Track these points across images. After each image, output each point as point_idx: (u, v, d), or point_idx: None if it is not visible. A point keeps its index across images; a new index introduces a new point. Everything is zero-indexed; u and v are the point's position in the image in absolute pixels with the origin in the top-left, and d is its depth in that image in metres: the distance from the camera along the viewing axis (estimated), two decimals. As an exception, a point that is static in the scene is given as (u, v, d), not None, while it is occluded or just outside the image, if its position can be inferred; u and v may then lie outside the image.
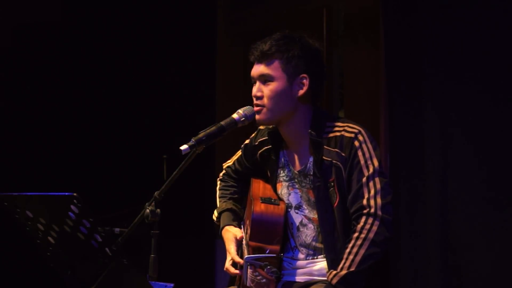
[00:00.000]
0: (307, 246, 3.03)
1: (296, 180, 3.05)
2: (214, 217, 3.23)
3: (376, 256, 2.85)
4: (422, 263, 3.68)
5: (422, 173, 3.69)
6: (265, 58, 2.98)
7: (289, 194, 3.07)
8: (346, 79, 5.03)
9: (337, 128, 2.97)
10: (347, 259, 2.84)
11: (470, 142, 3.57)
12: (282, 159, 3.10)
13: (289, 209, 3.06)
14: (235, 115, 2.98)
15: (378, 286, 2.97)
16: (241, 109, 3.00)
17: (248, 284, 2.94)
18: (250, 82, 3.05)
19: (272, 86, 2.97)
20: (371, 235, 2.84)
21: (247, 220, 3.10)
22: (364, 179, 2.89)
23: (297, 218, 3.05)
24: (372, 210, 2.85)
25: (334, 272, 2.85)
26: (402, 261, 3.73)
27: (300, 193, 3.04)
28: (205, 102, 5.44)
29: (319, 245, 3.01)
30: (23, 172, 5.33)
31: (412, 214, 3.72)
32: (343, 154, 2.92)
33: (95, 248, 2.60)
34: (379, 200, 2.87)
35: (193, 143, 2.82)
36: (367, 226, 2.84)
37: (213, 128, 2.90)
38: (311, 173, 2.98)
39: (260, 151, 3.16)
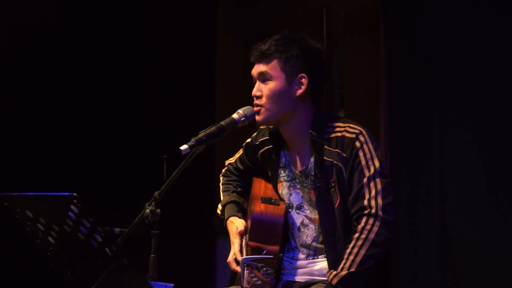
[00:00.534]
0: (307, 246, 3.03)
1: (297, 180, 3.05)
2: (219, 210, 3.23)
3: (377, 256, 2.85)
4: (422, 263, 3.68)
5: (422, 173, 3.69)
6: (264, 58, 2.99)
7: (290, 195, 3.07)
8: (346, 79, 5.03)
9: (338, 129, 2.97)
10: (347, 259, 2.84)
11: (471, 142, 3.57)
12: (283, 159, 3.10)
13: (290, 210, 3.06)
14: (235, 115, 2.98)
15: (379, 287, 2.96)
16: (241, 109, 3.01)
17: (244, 285, 2.94)
18: (250, 82, 3.06)
19: (270, 85, 2.97)
20: (371, 235, 2.84)
21: (248, 219, 3.10)
22: (365, 180, 2.89)
23: (298, 218, 3.05)
24: (373, 211, 2.85)
25: (335, 272, 2.85)
26: (402, 261, 3.73)
27: (301, 193, 3.04)
28: (205, 102, 5.44)
29: (319, 245, 3.01)
30: (23, 172, 5.33)
31: (412, 214, 3.72)
32: (344, 155, 2.92)
33: (95, 248, 2.60)
34: (380, 201, 2.86)
35: (193, 143, 2.82)
36: (368, 227, 2.84)
37: (213, 128, 2.90)
38: (312, 174, 2.98)
39: (261, 150, 3.16)
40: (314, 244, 3.02)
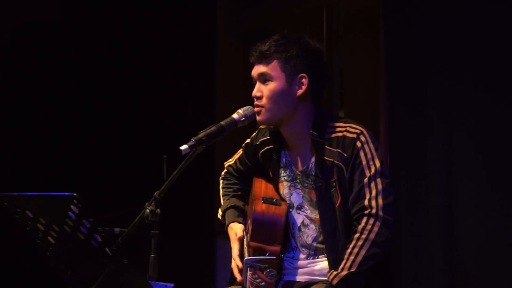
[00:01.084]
0: (308, 246, 3.03)
1: (298, 180, 3.05)
2: (219, 215, 3.23)
3: (377, 256, 2.85)
4: (422, 264, 3.68)
5: (422, 173, 3.70)
6: (264, 58, 2.98)
7: (291, 195, 3.07)
8: (346, 79, 5.03)
9: (339, 129, 2.97)
10: (347, 259, 2.84)
11: (471, 142, 3.58)
12: (284, 159, 3.10)
13: (291, 210, 3.06)
14: (235, 115, 2.98)
15: (379, 287, 2.96)
16: (241, 109, 3.00)
17: (247, 286, 2.94)
18: (250, 82, 3.05)
19: (271, 85, 2.97)
20: (372, 235, 2.83)
21: (249, 220, 3.10)
22: (365, 180, 2.89)
23: (298, 218, 3.05)
24: (374, 211, 2.85)
25: (335, 272, 2.85)
26: (402, 262, 3.73)
27: (302, 193, 3.04)
28: (205, 102, 5.44)
29: (320, 245, 3.01)
30: (23, 172, 5.33)
31: (412, 214, 3.72)
32: (345, 155, 2.92)
33: (95, 248, 2.60)
34: (380, 201, 2.86)
35: (193, 143, 2.82)
36: (368, 227, 2.84)
37: (213, 128, 2.90)
38: (313, 174, 2.98)
39: (262, 150, 3.16)
40: (315, 244, 3.02)
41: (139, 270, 2.62)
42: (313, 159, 2.99)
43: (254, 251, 2.94)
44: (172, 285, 2.70)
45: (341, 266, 2.85)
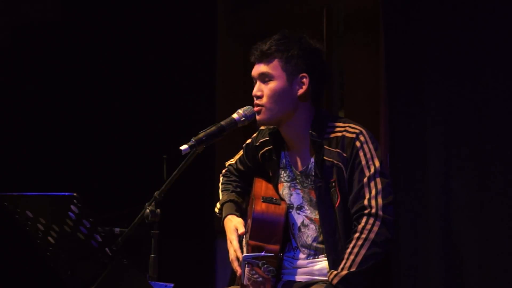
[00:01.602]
0: (308, 246, 3.03)
1: (297, 180, 3.05)
2: (217, 209, 3.23)
3: (377, 256, 2.85)
4: (422, 264, 3.68)
5: (422, 174, 3.69)
6: (265, 57, 2.98)
7: (291, 195, 3.07)
8: (346, 79, 5.03)
9: (338, 129, 2.97)
10: (347, 259, 2.84)
11: (471, 142, 3.57)
12: (284, 160, 3.10)
13: (291, 210, 3.06)
14: (235, 115, 2.98)
15: (379, 287, 2.96)
16: (241, 109, 3.00)
17: (245, 283, 2.94)
18: (250, 82, 3.05)
19: (271, 85, 2.97)
20: (372, 235, 2.84)
21: (248, 219, 3.10)
22: (365, 180, 2.89)
23: (298, 218, 3.05)
24: (373, 211, 2.85)
25: (335, 272, 2.85)
26: (402, 262, 3.73)
27: (301, 193, 3.04)
28: (205, 102, 5.44)
29: (320, 245, 3.01)
30: (23, 172, 5.33)
31: (412, 215, 3.72)
32: (345, 155, 2.92)
33: (95, 248, 2.60)
34: (380, 201, 2.86)
35: (193, 143, 2.82)
36: (368, 227, 2.84)
37: (213, 128, 2.90)
38: (313, 174, 2.98)
39: (262, 151, 3.16)
40: (315, 244, 3.02)
41: (139, 270, 2.62)
42: (312, 159, 2.99)
43: (253, 249, 2.94)
44: (172, 285, 2.71)
45: (341, 265, 2.85)
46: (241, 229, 3.06)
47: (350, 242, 2.86)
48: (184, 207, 5.14)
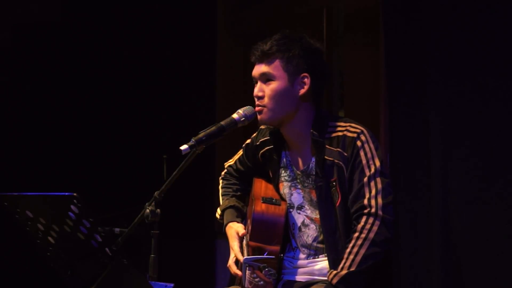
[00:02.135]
0: (308, 246, 3.03)
1: (298, 180, 3.05)
2: (218, 215, 3.23)
3: (377, 256, 2.85)
4: (422, 264, 3.68)
5: (422, 173, 3.69)
6: (266, 58, 2.98)
7: (291, 195, 3.07)
8: (346, 79, 5.03)
9: (339, 128, 2.97)
10: (347, 259, 2.84)
11: (471, 141, 3.57)
12: (284, 159, 3.09)
13: (291, 210, 3.06)
14: (235, 115, 2.98)
15: (379, 287, 2.96)
16: (241, 109, 3.00)
17: (246, 286, 2.94)
18: (251, 82, 3.05)
19: (273, 85, 2.97)
20: (371, 235, 2.84)
21: (248, 219, 3.10)
22: (365, 179, 2.89)
23: (299, 218, 3.05)
24: (373, 210, 2.85)
25: (335, 272, 2.85)
26: (402, 261, 3.72)
27: (302, 193, 3.04)
28: (205, 102, 5.44)
29: (320, 245, 3.01)
30: (23, 172, 5.33)
31: (412, 215, 3.72)
32: (345, 154, 2.92)
33: (95, 248, 2.60)
34: (380, 200, 2.87)
35: (193, 143, 2.82)
36: (368, 226, 2.85)
37: (213, 128, 2.90)
38: (313, 173, 2.98)
39: (262, 151, 3.16)
40: (315, 244, 3.02)
41: (139, 270, 2.62)
42: (313, 159, 2.99)
43: (253, 250, 2.94)
44: (172, 285, 2.71)
45: (341, 265, 2.85)
46: (241, 232, 3.07)
47: (349, 241, 2.86)
48: (184, 207, 5.14)
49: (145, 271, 2.71)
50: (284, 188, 3.09)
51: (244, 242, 3.09)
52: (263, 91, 2.98)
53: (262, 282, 2.90)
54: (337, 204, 2.92)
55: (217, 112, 5.39)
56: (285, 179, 3.09)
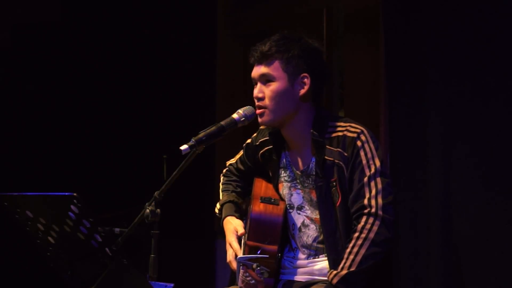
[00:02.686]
0: (308, 246, 3.03)
1: (298, 180, 3.05)
2: (216, 209, 3.23)
3: (377, 256, 2.85)
4: (422, 264, 3.68)
5: (422, 173, 3.69)
6: (265, 59, 2.98)
7: (291, 195, 3.07)
8: (346, 79, 5.03)
9: (339, 128, 2.97)
10: (347, 258, 2.84)
11: (471, 141, 3.57)
12: (284, 160, 3.09)
13: (291, 210, 3.06)
14: (235, 115, 2.98)
15: (379, 287, 2.96)
16: (241, 109, 3.00)
17: (239, 285, 2.94)
18: (251, 83, 3.05)
19: (273, 86, 2.97)
20: (371, 235, 2.84)
21: (247, 219, 3.10)
22: (365, 179, 2.89)
23: (298, 219, 3.05)
24: (373, 210, 2.85)
25: (335, 272, 2.85)
26: (402, 262, 3.73)
27: (302, 193, 3.04)
28: (205, 102, 5.44)
29: (320, 245, 3.01)
30: (23, 172, 5.33)
31: (412, 215, 3.72)
32: (346, 154, 2.92)
33: (95, 248, 2.60)
34: (380, 200, 2.87)
35: (193, 143, 2.82)
36: (368, 226, 2.85)
37: (213, 128, 2.90)
38: (313, 173, 2.98)
39: (261, 151, 3.16)
40: (315, 244, 3.02)
41: (139, 270, 2.62)
42: (313, 159, 2.99)
43: (250, 250, 2.94)
44: (172, 285, 2.71)
45: (341, 265, 2.85)
46: (241, 231, 3.06)
47: (349, 241, 2.86)
48: (184, 207, 5.15)
49: (145, 271, 2.71)
50: (284, 188, 3.09)
51: (243, 241, 3.09)
52: (263, 92, 2.98)
53: (253, 281, 2.90)
54: (338, 204, 2.92)
55: (217, 112, 5.39)
56: (284, 180, 3.09)
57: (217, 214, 3.22)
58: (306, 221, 3.04)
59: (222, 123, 2.93)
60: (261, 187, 3.13)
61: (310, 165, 3.00)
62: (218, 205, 3.23)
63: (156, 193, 2.75)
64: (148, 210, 2.72)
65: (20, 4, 5.48)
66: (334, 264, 2.91)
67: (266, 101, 2.97)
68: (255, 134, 3.22)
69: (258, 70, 3.00)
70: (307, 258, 3.04)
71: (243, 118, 2.97)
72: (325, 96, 4.88)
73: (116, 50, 5.43)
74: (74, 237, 2.60)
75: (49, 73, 5.47)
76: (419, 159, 3.70)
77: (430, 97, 3.67)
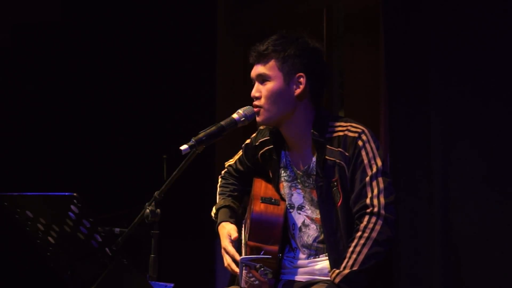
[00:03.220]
0: (308, 246, 3.03)
1: (298, 180, 3.05)
2: (212, 213, 3.23)
3: (379, 255, 2.85)
4: (422, 264, 3.68)
5: (422, 173, 3.70)
6: (262, 58, 2.98)
7: (292, 195, 3.07)
8: (346, 79, 5.03)
9: (340, 128, 2.97)
10: (350, 258, 2.84)
11: (471, 141, 3.58)
12: (284, 160, 3.09)
13: (291, 210, 3.06)
14: (235, 115, 2.98)
15: (381, 286, 2.96)
16: (241, 109, 3.00)
17: (242, 285, 2.94)
18: (250, 83, 3.06)
19: (269, 85, 2.97)
20: (374, 234, 2.84)
21: (248, 219, 3.10)
22: (367, 179, 2.89)
23: (299, 218, 3.05)
24: (375, 210, 2.85)
25: (337, 271, 2.85)
26: (402, 262, 3.73)
27: (302, 193, 3.04)
28: (205, 102, 5.44)
29: (320, 245, 3.01)
30: (23, 172, 5.33)
31: (412, 214, 3.72)
32: (347, 154, 2.92)
33: (95, 248, 2.60)
34: (382, 200, 2.87)
35: (193, 143, 2.82)
36: (370, 225, 2.84)
37: (213, 128, 2.90)
38: (314, 173, 2.98)
39: (261, 151, 3.16)
40: (315, 244, 3.02)
41: (139, 270, 2.62)
42: (314, 159, 2.99)
43: (251, 250, 2.94)
44: (172, 285, 2.71)
45: (343, 264, 2.85)
46: (234, 235, 3.07)
47: (352, 241, 2.86)
48: (184, 207, 5.14)
49: (145, 271, 2.71)
50: (284, 188, 3.08)
51: (243, 241, 3.09)
52: (260, 92, 2.99)
53: (257, 282, 2.90)
54: (339, 204, 2.92)
55: (217, 112, 5.39)
56: (285, 179, 3.09)
57: (213, 218, 3.23)
58: (307, 221, 3.03)
59: (222, 123, 2.93)
60: (260, 187, 3.13)
61: (311, 165, 3.00)
62: (214, 209, 3.23)
63: (156, 193, 2.75)
64: (148, 210, 2.72)
65: (20, 4, 5.48)
66: (335, 263, 2.91)
67: (262, 100, 2.98)
68: (254, 135, 3.22)
69: (255, 70, 3.01)
70: (308, 258, 3.03)
71: (243, 118, 2.98)
72: (325, 96, 4.88)
73: (116, 50, 5.43)
74: (74, 237, 2.60)
75: (49, 73, 5.47)
76: (419, 159, 3.71)
77: (430, 97, 3.67)
